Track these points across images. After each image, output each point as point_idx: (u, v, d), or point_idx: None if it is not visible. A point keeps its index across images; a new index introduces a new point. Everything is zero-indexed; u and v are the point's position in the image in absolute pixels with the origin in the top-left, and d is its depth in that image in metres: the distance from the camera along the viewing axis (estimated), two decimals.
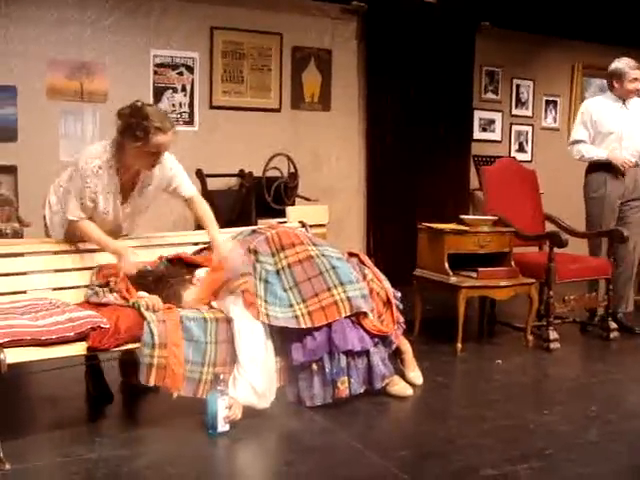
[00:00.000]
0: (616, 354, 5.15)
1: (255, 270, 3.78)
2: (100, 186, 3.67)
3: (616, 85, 5.48)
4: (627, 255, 5.52)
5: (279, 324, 3.64)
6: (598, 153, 5.45)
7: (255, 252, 3.89)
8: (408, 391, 4.01)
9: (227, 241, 3.84)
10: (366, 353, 3.80)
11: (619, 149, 5.42)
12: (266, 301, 3.67)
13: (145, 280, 3.65)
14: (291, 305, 3.73)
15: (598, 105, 5.59)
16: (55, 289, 3.71)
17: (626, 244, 5.39)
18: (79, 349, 3.24)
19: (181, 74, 6.61)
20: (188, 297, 3.63)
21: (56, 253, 3.78)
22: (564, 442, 3.43)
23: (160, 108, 3.70)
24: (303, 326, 3.66)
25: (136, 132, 3.56)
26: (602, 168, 5.46)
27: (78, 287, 3.75)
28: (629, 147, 5.43)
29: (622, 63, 5.43)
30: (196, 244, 4.19)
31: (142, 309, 3.39)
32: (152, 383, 3.33)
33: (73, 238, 3.83)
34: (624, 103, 5.49)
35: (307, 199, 6.58)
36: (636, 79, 5.41)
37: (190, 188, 3.97)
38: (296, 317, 3.69)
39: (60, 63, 6.10)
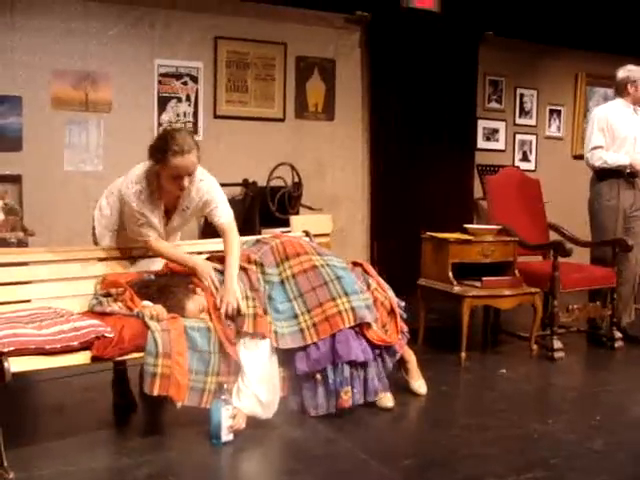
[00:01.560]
0: (621, 363, 5.14)
1: (262, 286, 3.79)
2: (145, 209, 3.73)
3: (631, 90, 5.50)
4: (630, 265, 5.50)
5: (287, 345, 3.66)
6: (620, 159, 5.44)
7: (261, 265, 3.89)
8: (389, 403, 3.94)
9: (232, 289, 3.76)
10: (365, 365, 3.79)
11: (636, 154, 5.42)
12: (273, 319, 3.68)
13: (149, 290, 3.65)
14: (296, 316, 3.74)
15: (611, 111, 5.59)
16: (59, 298, 3.71)
17: (629, 254, 5.38)
18: (83, 358, 3.24)
19: (185, 84, 6.63)
20: (192, 306, 3.63)
21: (60, 262, 3.78)
22: (568, 451, 3.43)
23: (189, 131, 3.71)
24: (309, 341, 3.68)
25: (157, 155, 3.62)
26: (615, 176, 5.45)
27: (82, 296, 3.75)
28: None
29: (632, 71, 5.46)
30: (200, 253, 4.19)
31: (146, 319, 3.40)
32: (156, 393, 3.32)
33: (127, 243, 3.93)
34: (634, 109, 5.51)
35: (311, 208, 6.59)
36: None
37: (224, 216, 3.88)
38: (301, 330, 3.70)
39: (65, 73, 6.12)
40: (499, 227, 5.25)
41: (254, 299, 3.66)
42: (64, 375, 3.85)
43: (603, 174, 5.54)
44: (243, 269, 3.80)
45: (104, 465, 3.16)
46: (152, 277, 3.79)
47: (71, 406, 3.94)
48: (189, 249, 4.18)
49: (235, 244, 3.84)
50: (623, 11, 8.18)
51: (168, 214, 3.89)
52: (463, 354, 4.88)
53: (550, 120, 8.91)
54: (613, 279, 5.35)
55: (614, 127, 5.49)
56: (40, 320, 3.34)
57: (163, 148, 3.59)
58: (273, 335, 3.64)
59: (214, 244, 4.26)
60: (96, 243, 4.02)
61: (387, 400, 3.96)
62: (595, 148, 5.57)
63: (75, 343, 3.19)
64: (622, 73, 5.52)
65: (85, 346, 3.23)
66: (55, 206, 6.05)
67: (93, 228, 4.05)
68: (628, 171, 5.39)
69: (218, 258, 3.93)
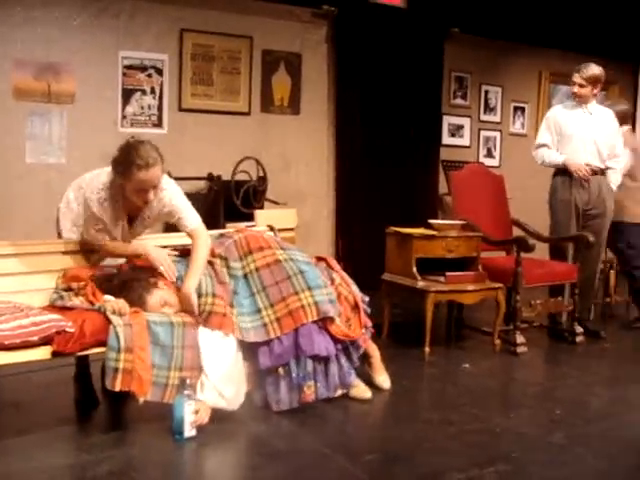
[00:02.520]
0: (581, 358, 5.20)
1: (228, 280, 3.78)
2: (106, 216, 3.69)
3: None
4: (589, 261, 5.56)
5: (250, 339, 3.65)
6: (557, 158, 5.51)
7: (225, 259, 3.87)
8: (367, 394, 4.01)
9: (189, 294, 3.71)
10: (328, 360, 3.80)
11: (584, 153, 5.47)
12: (237, 314, 3.67)
13: (110, 284, 3.61)
14: (259, 310, 3.74)
15: (560, 110, 5.66)
16: (20, 292, 3.65)
17: (590, 250, 5.44)
18: (43, 353, 3.20)
19: (150, 76, 6.56)
20: (152, 301, 3.59)
21: (21, 255, 3.73)
22: (530, 445, 3.46)
23: (151, 144, 3.65)
24: (272, 336, 3.67)
25: (119, 168, 3.56)
26: (567, 173, 5.51)
27: (43, 290, 3.70)
28: (593, 152, 5.48)
29: (582, 69, 5.47)
30: (165, 247, 4.14)
31: (108, 313, 3.36)
32: (118, 388, 3.28)
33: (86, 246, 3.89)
34: (586, 108, 5.54)
35: (276, 203, 6.57)
36: (574, 83, 5.49)
37: (191, 223, 3.83)
38: (264, 325, 3.69)
39: (27, 63, 6.02)
40: (463, 222, 5.29)
41: (222, 297, 3.63)
42: (24, 371, 3.78)
43: (558, 170, 5.61)
44: (209, 263, 3.78)
45: (64, 462, 3.12)
46: (114, 271, 3.75)
47: (31, 402, 3.89)
48: (154, 243, 4.14)
49: (202, 250, 3.79)
50: (587, 10, 8.28)
51: (130, 222, 3.84)
52: (427, 349, 4.91)
53: (514, 117, 8.99)
54: (574, 274, 5.41)
55: (561, 125, 5.55)
56: None
57: (127, 161, 3.52)
58: (237, 329, 3.62)
59: (178, 238, 4.23)
60: (60, 236, 3.96)
61: (363, 391, 4.00)
62: (539, 146, 5.66)
63: (35, 338, 3.15)
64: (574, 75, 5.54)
65: (45, 341, 3.18)
66: (16, 199, 5.95)
67: (57, 220, 3.99)
68: (576, 177, 5.43)
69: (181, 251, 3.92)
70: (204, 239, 3.84)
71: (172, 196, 3.80)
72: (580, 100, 5.51)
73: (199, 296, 3.60)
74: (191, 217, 3.84)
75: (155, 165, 3.55)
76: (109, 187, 3.66)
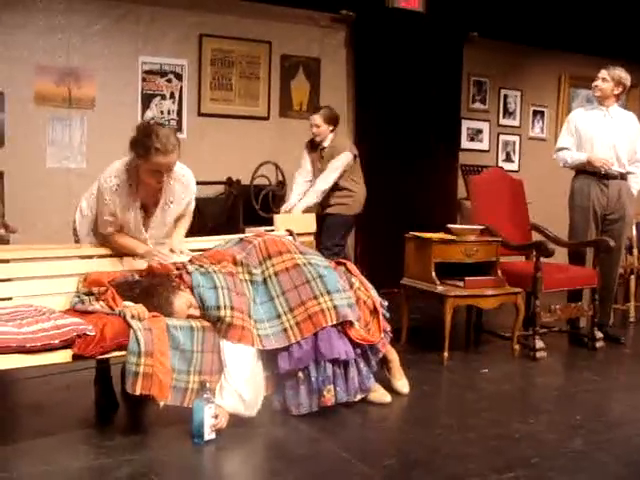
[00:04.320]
0: (601, 363, 5.17)
1: (247, 291, 3.79)
2: (119, 203, 3.74)
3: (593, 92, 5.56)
4: (609, 266, 5.53)
5: (271, 346, 3.64)
6: (579, 156, 5.48)
7: (247, 265, 3.88)
8: (387, 398, 4.02)
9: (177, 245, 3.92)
10: (347, 364, 3.80)
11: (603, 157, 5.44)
12: (255, 321, 3.68)
13: (133, 292, 3.62)
14: (278, 315, 3.74)
15: (581, 112, 5.65)
16: (41, 296, 3.68)
17: (610, 255, 5.41)
18: (64, 356, 3.22)
19: (170, 81, 6.61)
20: (179, 302, 3.61)
21: (42, 259, 3.76)
22: (549, 451, 3.44)
23: (171, 128, 3.75)
24: (293, 341, 3.66)
25: (139, 149, 3.62)
26: (587, 177, 5.48)
27: (64, 294, 3.72)
28: (612, 156, 5.44)
29: (603, 72, 5.47)
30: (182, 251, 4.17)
31: (127, 317, 3.38)
32: (138, 392, 3.30)
33: (105, 244, 3.94)
34: (607, 111, 5.51)
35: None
36: (598, 77, 5.47)
37: (190, 217, 4.11)
38: (285, 330, 3.69)
39: (48, 69, 6.09)
40: (482, 227, 5.27)
41: (240, 310, 3.63)
42: (45, 373, 3.81)
43: (577, 174, 5.58)
44: (230, 274, 3.78)
45: (85, 464, 3.14)
46: (135, 277, 3.76)
47: (52, 405, 3.91)
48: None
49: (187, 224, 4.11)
50: (606, 13, 8.23)
51: (148, 211, 3.88)
52: (445, 354, 4.89)
53: (534, 121, 8.96)
54: (594, 280, 5.37)
55: (581, 129, 5.53)
56: (21, 318, 3.32)
57: (146, 144, 3.58)
58: (257, 339, 3.62)
59: (197, 242, 4.27)
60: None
61: (382, 395, 4.01)
62: (560, 150, 5.63)
63: (56, 341, 3.17)
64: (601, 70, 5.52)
65: (66, 344, 3.20)
66: (37, 203, 6.01)
67: (74, 230, 4.04)
68: (602, 172, 5.41)
69: (205, 256, 3.93)
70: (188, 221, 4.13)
71: (193, 189, 3.99)
72: (600, 96, 5.48)
73: (217, 308, 3.58)
74: (191, 214, 4.12)
75: (174, 151, 3.63)
76: (124, 171, 3.74)
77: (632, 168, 5.55)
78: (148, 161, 3.60)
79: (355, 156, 5.94)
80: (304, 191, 5.92)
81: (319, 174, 5.89)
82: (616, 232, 5.49)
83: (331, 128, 5.89)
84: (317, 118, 5.86)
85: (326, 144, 5.88)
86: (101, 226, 3.83)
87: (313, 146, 6.00)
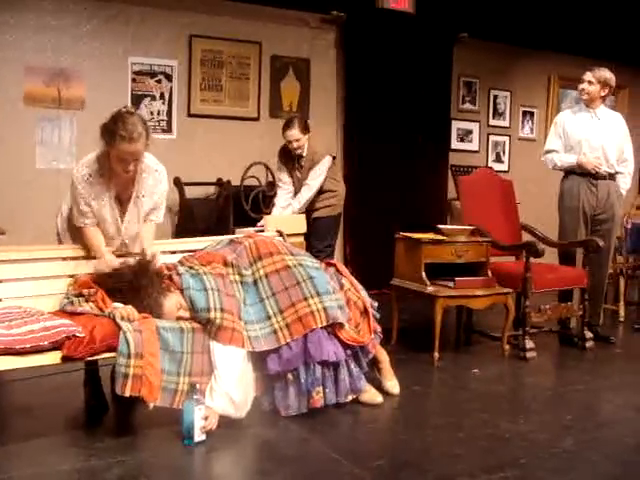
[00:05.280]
0: (592, 363, 5.19)
1: (238, 292, 3.78)
2: (92, 193, 3.73)
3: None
4: (599, 265, 5.55)
5: (261, 348, 3.63)
6: (568, 159, 5.50)
7: (237, 267, 3.87)
8: (378, 398, 4.02)
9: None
10: (337, 366, 3.80)
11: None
12: (245, 322, 3.67)
13: (122, 292, 3.60)
14: (268, 317, 3.73)
15: (569, 115, 5.65)
16: (30, 297, 3.67)
17: (599, 255, 5.43)
18: (54, 358, 3.22)
19: (159, 82, 6.60)
20: (169, 303, 3.60)
21: (31, 261, 3.74)
22: (540, 451, 3.45)
23: (141, 117, 3.73)
24: (283, 342, 3.66)
25: (105, 136, 3.63)
26: (576, 177, 5.50)
27: (53, 295, 3.71)
28: (600, 157, 5.46)
29: (591, 74, 5.47)
30: (174, 253, 4.17)
31: (117, 319, 3.37)
32: (128, 393, 3.29)
33: (82, 243, 3.90)
34: (594, 112, 5.53)
35: None
36: (583, 80, 5.48)
37: (160, 217, 4.02)
38: (275, 332, 3.68)
39: (38, 70, 6.07)
40: (472, 228, 5.28)
41: (230, 312, 3.62)
42: (34, 375, 3.80)
43: (566, 175, 5.60)
44: (220, 275, 3.77)
45: (75, 466, 3.13)
46: (130, 260, 3.73)
47: (41, 407, 3.89)
48: (165, 247, 4.16)
49: (152, 235, 3.96)
50: (595, 15, 8.27)
51: (123, 206, 3.85)
52: (436, 354, 4.89)
53: (523, 122, 8.99)
54: (584, 280, 5.39)
55: (569, 131, 5.54)
56: (10, 320, 3.31)
57: (112, 131, 3.59)
58: (247, 341, 3.62)
59: (187, 244, 4.26)
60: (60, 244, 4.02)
61: (374, 396, 4.02)
62: (548, 152, 5.64)
63: (45, 343, 3.16)
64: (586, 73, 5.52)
65: (56, 346, 3.20)
66: (27, 204, 5.99)
67: (57, 234, 4.04)
68: (593, 172, 5.43)
69: (195, 258, 3.92)
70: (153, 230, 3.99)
71: (164, 189, 3.95)
72: (587, 99, 5.50)
73: (207, 310, 3.57)
74: (162, 212, 4.00)
75: (138, 140, 3.61)
76: (95, 161, 3.74)
77: (620, 168, 5.57)
78: (114, 148, 3.60)
79: (334, 157, 5.92)
80: (287, 204, 5.85)
81: (299, 183, 5.83)
82: (605, 232, 5.51)
83: (307, 137, 5.75)
84: (296, 133, 5.66)
85: (304, 153, 5.78)
86: (77, 218, 3.79)
87: (288, 156, 5.86)
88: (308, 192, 5.73)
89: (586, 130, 5.49)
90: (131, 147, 3.59)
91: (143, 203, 3.87)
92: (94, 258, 3.84)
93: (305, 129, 5.72)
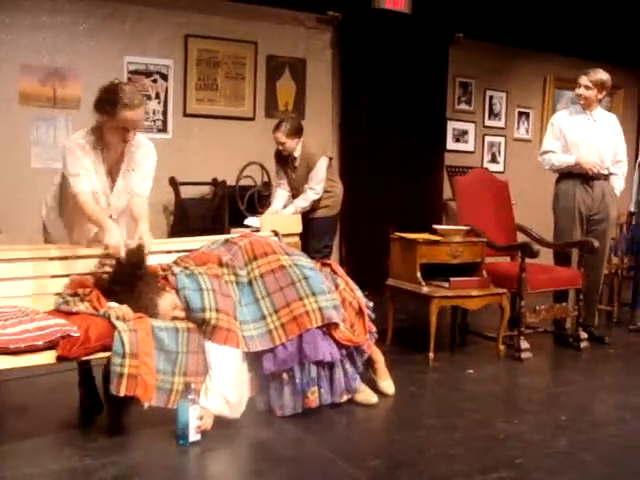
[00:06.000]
0: (586, 364, 5.20)
1: (233, 292, 3.77)
2: (89, 162, 3.74)
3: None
4: (594, 266, 5.55)
5: (256, 348, 3.63)
6: (566, 159, 5.50)
7: (232, 267, 3.87)
8: (373, 399, 4.02)
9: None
10: (332, 366, 3.80)
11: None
12: (240, 322, 3.67)
13: (118, 291, 3.58)
14: (263, 317, 3.73)
15: (566, 116, 5.64)
16: (25, 297, 3.66)
17: (594, 256, 5.44)
18: (48, 358, 3.21)
19: (155, 81, 6.59)
20: (164, 303, 3.60)
21: (26, 260, 3.73)
22: (535, 451, 3.45)
23: (135, 86, 3.83)
24: (278, 342, 3.66)
25: (105, 107, 3.65)
26: (571, 178, 5.51)
27: (48, 295, 3.70)
28: (596, 159, 5.47)
29: (592, 77, 5.44)
30: (169, 252, 4.16)
31: (112, 319, 3.36)
32: (123, 393, 3.29)
33: (72, 228, 3.92)
34: (590, 114, 5.54)
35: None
36: (580, 85, 5.47)
37: (148, 190, 3.95)
38: (270, 332, 3.68)
39: (33, 68, 6.06)
40: (467, 228, 5.29)
41: (226, 312, 3.62)
42: (28, 375, 3.79)
43: (561, 176, 5.61)
44: (215, 275, 3.77)
45: (68, 466, 3.12)
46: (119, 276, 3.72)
47: (35, 406, 3.89)
48: (160, 247, 4.15)
49: (146, 212, 3.91)
50: (591, 15, 8.28)
51: (112, 176, 3.86)
52: (431, 354, 4.90)
53: (519, 122, 9.00)
54: (579, 280, 5.40)
55: (565, 133, 5.54)
56: (4, 319, 3.30)
57: (114, 100, 3.61)
58: (242, 341, 3.62)
59: (183, 244, 4.25)
60: (47, 242, 4.00)
61: (369, 396, 4.02)
62: (545, 153, 5.64)
63: (40, 342, 3.16)
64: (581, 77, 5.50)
65: (50, 345, 3.19)
66: (22, 203, 5.96)
67: (44, 227, 4.05)
68: (590, 174, 5.43)
69: (190, 258, 3.91)
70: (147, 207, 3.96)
71: (153, 157, 3.95)
72: (584, 104, 5.50)
73: (203, 311, 3.57)
74: (150, 185, 3.96)
75: (140, 106, 3.69)
76: (89, 133, 3.77)
77: (614, 169, 5.58)
78: (115, 117, 3.62)
79: (330, 158, 5.92)
80: (286, 201, 5.90)
81: (294, 183, 5.88)
82: (600, 232, 5.52)
83: (297, 140, 5.76)
84: (280, 136, 5.70)
85: (296, 154, 5.80)
86: (75, 185, 3.71)
87: (282, 157, 5.91)
88: (314, 195, 5.79)
89: (582, 132, 5.49)
90: (134, 114, 3.65)
91: (132, 177, 3.89)
92: (94, 257, 3.83)
93: (293, 133, 5.73)
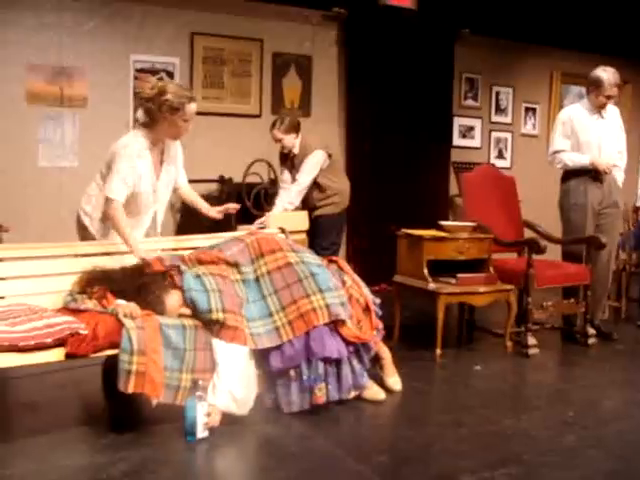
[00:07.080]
0: (594, 360, 5.19)
1: (240, 290, 3.78)
2: (144, 167, 3.92)
3: (591, 94, 5.51)
4: (602, 262, 5.55)
5: (264, 345, 3.64)
6: (581, 159, 5.47)
7: (237, 265, 3.88)
8: (381, 395, 4.03)
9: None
10: (339, 362, 3.80)
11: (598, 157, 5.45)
12: (247, 319, 3.68)
13: (125, 289, 3.60)
14: (270, 314, 3.74)
15: (576, 114, 5.59)
16: (34, 295, 3.68)
17: (602, 252, 5.43)
18: (57, 355, 3.23)
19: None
20: (171, 301, 3.61)
21: (35, 258, 3.75)
22: (542, 447, 3.45)
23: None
24: (285, 339, 3.67)
25: (174, 105, 3.83)
26: (582, 175, 5.49)
27: (57, 293, 3.71)
28: (606, 156, 5.46)
29: (605, 75, 5.37)
30: (175, 250, 4.17)
31: (120, 316, 3.38)
32: (131, 390, 3.30)
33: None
34: (599, 112, 5.53)
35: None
36: (609, 97, 5.43)
37: (186, 179, 4.39)
38: (277, 329, 3.69)
39: (40, 68, 6.08)
40: (474, 224, 5.28)
41: (232, 312, 3.62)
42: (38, 372, 3.81)
43: (570, 173, 5.58)
44: (221, 275, 3.78)
45: (78, 463, 3.14)
46: (127, 273, 3.74)
47: (45, 403, 3.91)
48: (168, 245, 4.17)
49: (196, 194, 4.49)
50: (598, 10, 8.26)
51: (157, 174, 4.06)
52: (438, 351, 4.90)
53: (526, 118, 8.98)
54: (587, 276, 5.39)
55: (578, 131, 5.52)
56: (14, 317, 3.32)
57: (181, 96, 3.86)
58: (250, 338, 3.63)
59: (189, 241, 4.27)
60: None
61: (376, 392, 4.02)
62: (556, 152, 5.60)
63: (49, 340, 3.18)
64: (594, 73, 5.45)
65: (59, 343, 3.21)
66: (30, 202, 6.00)
67: (79, 221, 4.08)
68: (593, 173, 5.43)
69: (197, 256, 3.92)
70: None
71: (181, 152, 4.27)
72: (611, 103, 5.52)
73: (209, 312, 3.57)
74: (184, 173, 4.36)
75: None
76: (143, 136, 3.95)
77: (617, 161, 5.57)
78: (184, 113, 3.87)
79: (329, 155, 5.80)
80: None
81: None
82: (609, 226, 5.51)
83: (294, 136, 5.71)
84: (277, 133, 5.66)
85: (296, 151, 5.74)
86: (116, 189, 3.82)
87: (285, 156, 5.87)
88: (296, 187, 5.65)
89: (594, 131, 5.49)
90: (196, 104, 3.97)
91: (171, 170, 4.14)
92: (101, 254, 3.87)
93: (289, 130, 5.67)
